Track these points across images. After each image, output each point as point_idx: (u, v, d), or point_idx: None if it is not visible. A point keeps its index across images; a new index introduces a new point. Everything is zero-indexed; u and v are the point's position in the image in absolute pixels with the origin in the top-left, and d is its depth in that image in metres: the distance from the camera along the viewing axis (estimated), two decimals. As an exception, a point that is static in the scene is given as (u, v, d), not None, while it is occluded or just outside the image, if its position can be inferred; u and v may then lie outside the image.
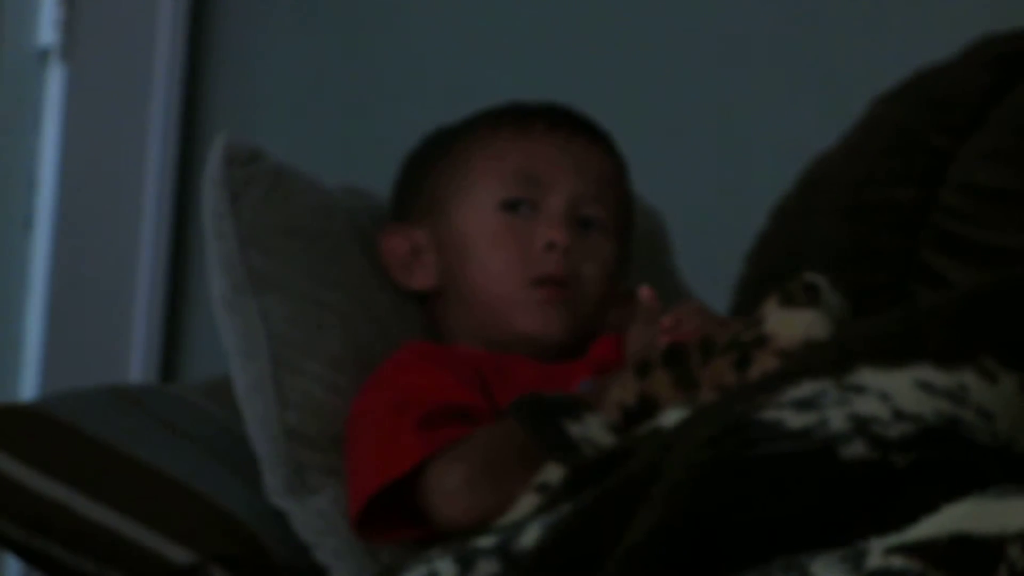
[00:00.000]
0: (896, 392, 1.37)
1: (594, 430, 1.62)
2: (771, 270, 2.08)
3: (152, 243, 2.88)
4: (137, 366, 2.87)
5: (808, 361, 1.44)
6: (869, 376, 1.39)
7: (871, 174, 2.09)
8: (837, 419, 1.35)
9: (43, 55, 2.85)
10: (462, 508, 1.68)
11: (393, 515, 1.78)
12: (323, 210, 1.98)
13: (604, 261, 1.92)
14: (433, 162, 1.98)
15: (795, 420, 1.35)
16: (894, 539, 1.24)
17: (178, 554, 1.77)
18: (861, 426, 1.35)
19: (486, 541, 1.43)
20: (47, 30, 2.84)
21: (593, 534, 1.37)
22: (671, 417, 1.52)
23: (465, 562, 1.42)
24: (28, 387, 2.77)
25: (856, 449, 1.33)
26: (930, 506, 1.27)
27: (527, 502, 1.59)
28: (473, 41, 2.95)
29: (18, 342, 2.82)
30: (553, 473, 1.62)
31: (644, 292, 1.82)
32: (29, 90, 2.85)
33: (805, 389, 1.38)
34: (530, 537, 1.41)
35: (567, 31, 2.90)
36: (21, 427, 1.87)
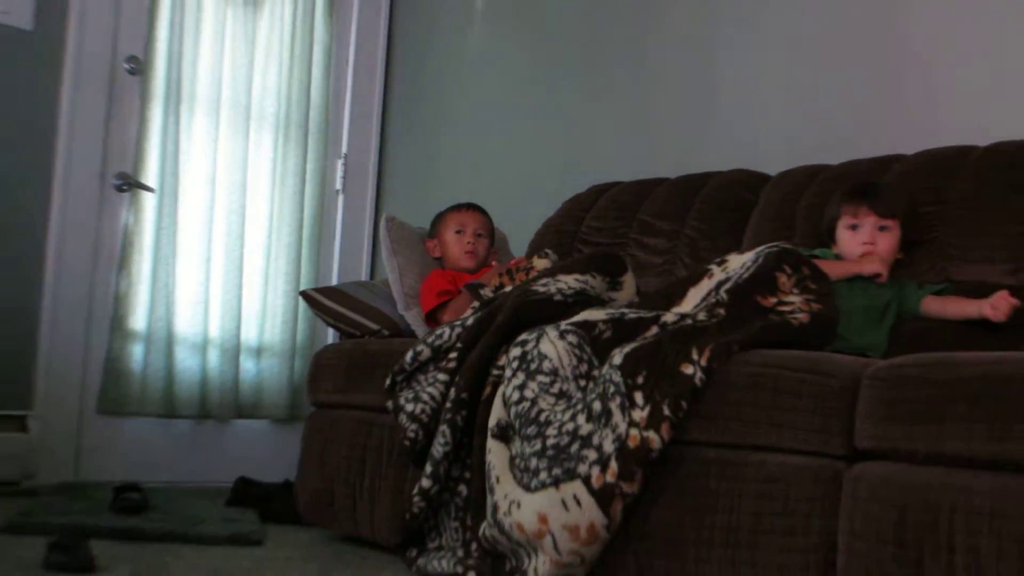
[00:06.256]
0: (567, 282, 1.46)
1: (488, 292, 1.68)
2: (536, 250, 1.98)
3: (368, 245, 2.70)
4: (363, 276, 2.67)
5: (544, 273, 1.50)
6: (562, 277, 1.47)
7: (605, 218, 1.95)
8: (552, 288, 1.44)
9: (336, 192, 2.66)
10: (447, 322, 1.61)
11: (434, 318, 1.78)
12: (414, 235, 1.96)
13: (486, 247, 1.91)
14: (438, 220, 1.94)
15: (542, 289, 1.44)
16: (567, 321, 1.32)
17: (374, 326, 1.82)
18: (559, 291, 1.44)
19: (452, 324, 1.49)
20: (338, 181, 2.66)
21: (483, 324, 1.45)
22: (508, 290, 1.57)
23: (439, 333, 1.49)
24: (334, 280, 2.60)
25: (558, 297, 1.43)
26: (576, 314, 1.36)
27: (467, 314, 1.59)
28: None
29: (329, 270, 2.64)
30: (475, 304, 1.63)
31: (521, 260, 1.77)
32: (332, 205, 2.63)
33: (545, 281, 1.46)
34: (469, 322, 1.49)
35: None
36: (331, 292, 1.88)
